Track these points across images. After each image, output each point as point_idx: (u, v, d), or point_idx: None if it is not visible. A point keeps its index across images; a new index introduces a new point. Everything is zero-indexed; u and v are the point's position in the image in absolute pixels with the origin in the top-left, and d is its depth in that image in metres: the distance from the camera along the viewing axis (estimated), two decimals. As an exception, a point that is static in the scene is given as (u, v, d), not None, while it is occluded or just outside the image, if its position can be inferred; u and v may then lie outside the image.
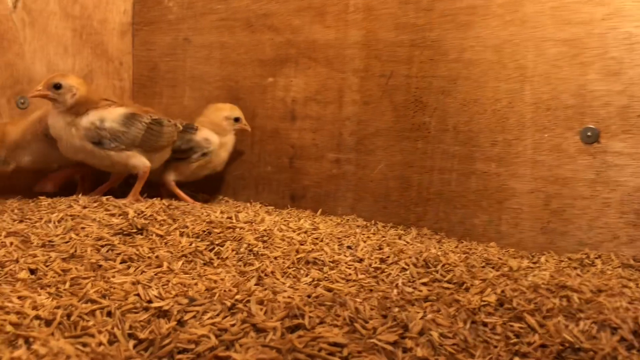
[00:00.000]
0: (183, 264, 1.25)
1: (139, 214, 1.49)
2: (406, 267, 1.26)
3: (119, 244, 1.31)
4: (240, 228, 1.49)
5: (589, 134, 1.60)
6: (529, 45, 1.66)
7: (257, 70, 2.11)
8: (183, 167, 1.97)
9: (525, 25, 1.66)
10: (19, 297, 0.98)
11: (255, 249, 1.35)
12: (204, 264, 1.27)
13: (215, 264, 1.28)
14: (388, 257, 1.31)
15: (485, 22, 1.72)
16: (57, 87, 1.71)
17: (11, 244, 1.25)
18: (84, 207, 1.56)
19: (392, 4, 1.85)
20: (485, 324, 1.03)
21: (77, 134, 1.73)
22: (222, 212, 1.62)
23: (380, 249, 1.39)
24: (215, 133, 2.00)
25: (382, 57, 1.88)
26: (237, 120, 2.03)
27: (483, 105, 1.74)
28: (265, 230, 1.48)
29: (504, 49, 1.70)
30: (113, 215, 1.49)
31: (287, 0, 2.02)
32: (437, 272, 1.27)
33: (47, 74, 2.07)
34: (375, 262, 1.28)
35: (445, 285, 1.21)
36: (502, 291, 1.15)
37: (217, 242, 1.38)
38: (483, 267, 1.36)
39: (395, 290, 1.14)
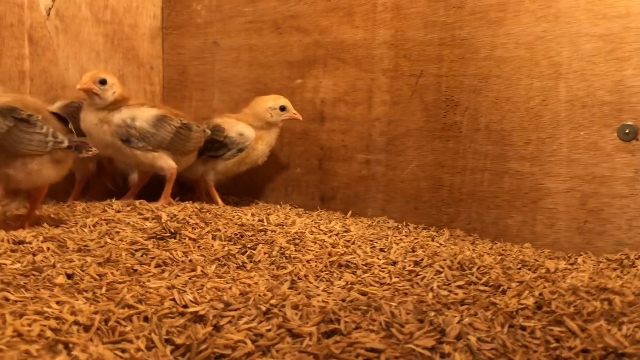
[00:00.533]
0: (216, 267, 1.25)
1: (171, 218, 1.50)
2: (441, 269, 1.25)
3: (153, 248, 1.32)
4: (272, 231, 1.49)
5: (626, 131, 1.56)
6: (563, 41, 1.62)
7: (285, 72, 2.11)
8: (220, 165, 1.97)
9: (559, 21, 1.63)
10: (58, 302, 1.00)
11: (288, 252, 1.35)
12: (237, 268, 1.28)
13: (249, 268, 1.28)
14: (422, 259, 1.30)
15: (517, 19, 1.69)
16: (103, 82, 1.75)
17: (48, 248, 1.27)
18: (118, 211, 1.58)
19: (421, 2, 1.83)
20: (523, 328, 1.01)
21: (109, 129, 1.75)
22: (253, 215, 1.63)
23: (414, 251, 1.38)
24: (259, 126, 1.98)
25: (411, 56, 1.86)
26: (282, 109, 1.97)
27: (516, 104, 1.71)
28: (296, 232, 1.48)
29: (536, 45, 1.66)
30: (146, 219, 1.51)
31: (315, 1, 2.02)
32: (472, 274, 1.25)
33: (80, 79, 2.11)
34: (409, 265, 1.27)
35: (482, 288, 1.19)
36: (540, 294, 1.13)
37: (249, 246, 1.38)
38: (519, 269, 1.34)
39: (430, 294, 1.12)
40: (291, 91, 2.10)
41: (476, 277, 1.23)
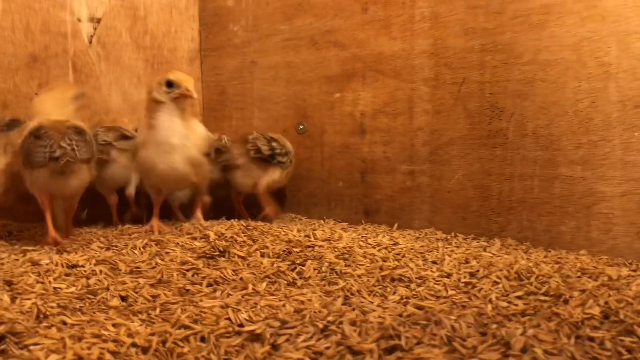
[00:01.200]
0: (267, 285, 1.24)
1: (219, 236, 1.49)
2: (498, 280, 1.21)
3: (203, 267, 1.31)
4: (319, 246, 1.47)
5: (684, 129, 1.49)
6: (611, 41, 1.58)
7: (323, 87, 2.10)
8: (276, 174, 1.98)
9: (605, 21, 1.58)
10: (114, 325, 1.00)
11: (338, 267, 1.33)
12: (288, 285, 1.26)
13: (299, 284, 1.26)
14: (477, 270, 1.26)
15: (561, 21, 1.65)
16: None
17: (101, 271, 1.27)
18: (166, 232, 1.58)
19: (460, 10, 1.81)
20: (591, 339, 0.96)
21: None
22: (299, 231, 1.61)
23: (467, 262, 1.34)
24: None
25: (452, 64, 1.83)
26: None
27: (563, 107, 1.66)
28: (344, 247, 1.46)
29: (583, 46, 1.62)
30: (195, 238, 1.51)
31: (351, 15, 2.01)
32: (531, 284, 1.20)
33: (123, 104, 2.15)
34: (465, 277, 1.23)
35: (542, 298, 1.14)
36: (606, 302, 1.07)
37: (298, 262, 1.37)
38: (579, 277, 1.28)
39: (489, 306, 1.08)
40: (330, 105, 2.09)
41: (535, 287, 1.19)
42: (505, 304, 1.10)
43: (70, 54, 2.02)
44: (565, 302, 1.12)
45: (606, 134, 1.60)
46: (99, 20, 2.08)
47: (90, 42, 2.07)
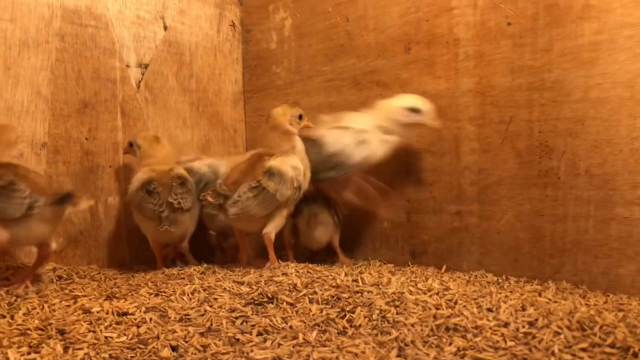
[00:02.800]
0: (317, 334, 1.21)
1: (267, 282, 1.48)
2: (559, 330, 1.15)
3: (252, 314, 1.30)
4: (368, 292, 1.43)
5: None
6: (667, 77, 1.53)
7: (367, 126, 2.09)
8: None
9: (660, 56, 1.54)
10: (166, 377, 0.98)
11: (389, 315, 1.29)
12: (338, 334, 1.23)
13: (350, 333, 1.23)
14: (536, 319, 1.20)
15: (612, 57, 1.61)
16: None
17: (151, 319, 1.27)
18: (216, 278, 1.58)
19: (505, 48, 1.79)
20: (666, 398, 0.90)
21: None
22: (346, 275, 1.59)
23: (524, 309, 1.28)
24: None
25: (498, 102, 1.81)
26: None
27: (618, 145, 1.61)
28: (394, 293, 1.42)
29: (637, 83, 1.57)
30: (241, 283, 1.50)
31: (394, 55, 2.01)
32: (595, 334, 1.14)
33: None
34: (524, 327, 1.18)
35: (608, 350, 1.08)
36: (679, 356, 1.01)
37: (347, 309, 1.34)
38: (646, 326, 1.21)
39: (552, 359, 1.03)
40: (374, 145, 2.07)
41: (600, 338, 1.13)
42: (569, 357, 1.05)
43: (119, 99, 2.07)
44: (635, 355, 1.06)
45: (665, 172, 1.54)
46: (146, 66, 2.14)
47: (138, 87, 2.12)
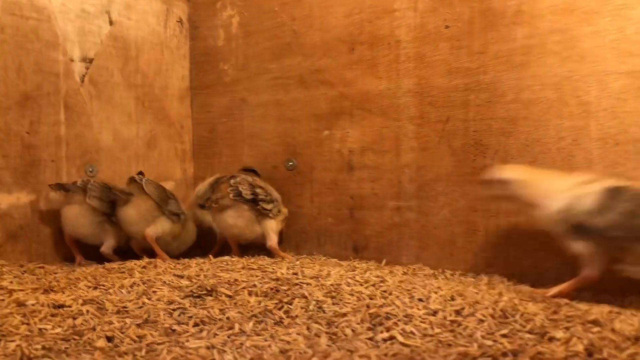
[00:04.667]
0: (254, 324, 1.24)
1: (206, 276, 1.50)
2: (483, 318, 1.21)
3: (190, 306, 1.31)
4: (307, 284, 1.47)
5: (664, 167, 1.53)
6: (591, 81, 1.62)
7: (312, 124, 2.14)
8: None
9: (584, 61, 1.63)
10: (99, 367, 1.00)
11: (325, 305, 1.33)
12: (275, 324, 1.26)
13: (286, 323, 1.26)
14: (463, 308, 1.27)
15: (542, 61, 1.69)
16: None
17: (87, 311, 1.27)
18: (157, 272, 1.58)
19: (444, 50, 1.85)
20: (575, 378, 0.97)
21: None
22: (288, 268, 1.62)
23: (453, 299, 1.35)
24: None
25: (437, 103, 1.87)
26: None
27: (547, 144, 1.70)
28: (332, 285, 1.46)
29: (563, 86, 1.66)
30: (181, 277, 1.51)
31: (339, 55, 2.06)
32: (516, 322, 1.21)
33: (113, 142, 2.17)
34: (451, 315, 1.24)
35: (527, 336, 1.15)
36: (589, 340, 1.08)
37: (285, 300, 1.37)
38: (564, 315, 1.29)
39: (475, 345, 1.09)
40: (319, 143, 2.12)
41: (520, 325, 1.20)
42: (490, 343, 1.11)
43: (62, 93, 2.04)
44: (550, 339, 1.12)
45: (588, 170, 1.63)
46: (91, 60, 2.12)
47: (82, 82, 2.10)
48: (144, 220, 1.96)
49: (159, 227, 1.96)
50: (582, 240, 1.42)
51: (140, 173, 2.05)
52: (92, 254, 2.02)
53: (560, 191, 1.47)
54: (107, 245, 1.99)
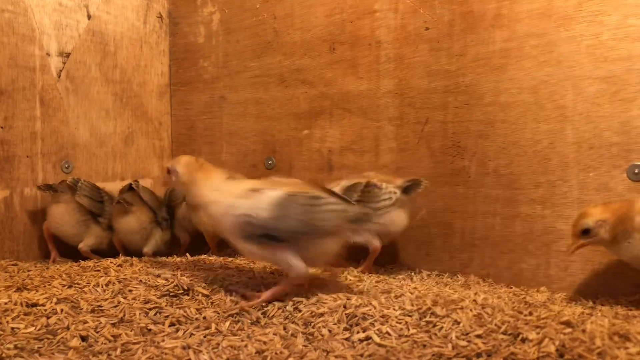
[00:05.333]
0: (230, 324, 1.24)
1: (183, 274, 1.49)
2: (458, 319, 1.23)
3: (166, 306, 1.31)
4: (285, 283, 1.47)
5: (636, 171, 1.56)
6: (567, 85, 1.64)
7: (292, 123, 2.13)
8: None
9: (561, 65, 1.65)
10: (72, 367, 0.99)
11: (301, 305, 1.33)
12: (252, 324, 1.26)
13: (263, 323, 1.26)
14: (438, 309, 1.28)
15: (520, 64, 1.71)
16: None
17: (62, 310, 1.26)
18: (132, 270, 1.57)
19: (423, 52, 1.87)
20: (547, 378, 0.98)
21: None
22: (265, 267, 1.62)
23: (429, 300, 1.36)
24: None
25: (416, 104, 1.88)
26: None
27: (523, 147, 1.72)
28: (310, 284, 1.46)
29: (540, 89, 1.69)
30: (158, 276, 1.50)
31: (320, 54, 2.06)
32: (491, 323, 1.22)
33: (90, 138, 2.15)
34: (426, 316, 1.25)
35: (500, 337, 1.16)
36: (561, 341, 1.10)
37: (263, 300, 1.37)
38: (537, 315, 1.31)
39: (449, 345, 1.10)
40: (298, 142, 2.12)
41: (495, 326, 1.21)
42: (464, 344, 1.12)
43: (38, 87, 2.01)
44: (523, 340, 1.14)
45: (564, 174, 1.66)
46: (68, 55, 2.09)
47: (59, 76, 2.07)
48: (144, 230, 2.01)
49: (158, 241, 2.04)
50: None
51: (135, 181, 2.04)
52: (67, 251, 1.99)
53: (231, 196, 1.38)
54: (86, 243, 1.97)
